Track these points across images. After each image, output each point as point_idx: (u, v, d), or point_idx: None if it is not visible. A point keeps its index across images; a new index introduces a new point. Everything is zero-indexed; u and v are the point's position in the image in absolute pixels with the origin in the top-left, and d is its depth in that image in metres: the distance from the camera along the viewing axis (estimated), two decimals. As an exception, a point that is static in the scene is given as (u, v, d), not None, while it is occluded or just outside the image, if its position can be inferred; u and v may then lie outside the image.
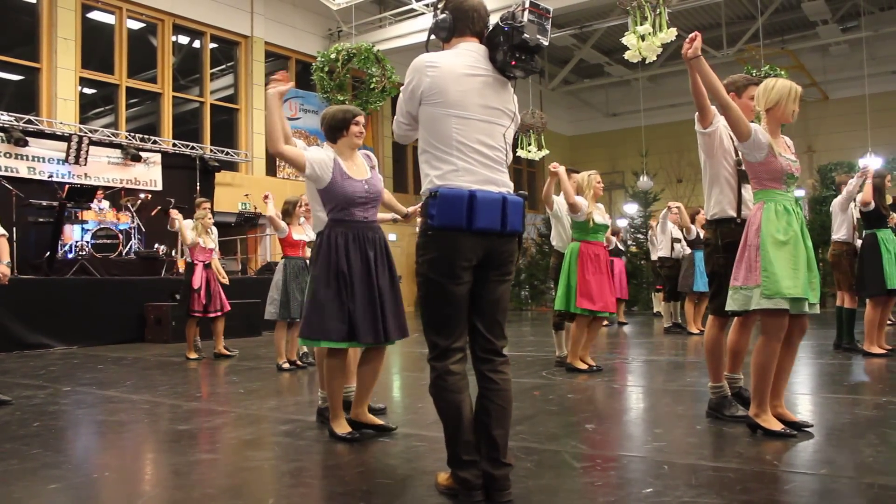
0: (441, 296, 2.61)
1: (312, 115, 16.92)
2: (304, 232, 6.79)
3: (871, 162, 13.07)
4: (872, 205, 6.67)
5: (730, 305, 3.75)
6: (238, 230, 14.79)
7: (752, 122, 3.75)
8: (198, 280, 7.95)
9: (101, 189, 12.26)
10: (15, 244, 10.05)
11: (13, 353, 8.89)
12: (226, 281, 8.36)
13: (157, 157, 14.13)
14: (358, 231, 3.80)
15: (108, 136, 13.47)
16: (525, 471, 3.08)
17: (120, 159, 13.47)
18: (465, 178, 2.59)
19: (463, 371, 2.64)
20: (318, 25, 17.53)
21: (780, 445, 3.48)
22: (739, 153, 4.04)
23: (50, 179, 12.15)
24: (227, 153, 15.42)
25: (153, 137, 14.18)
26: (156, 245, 12.36)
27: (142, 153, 13.71)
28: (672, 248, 10.39)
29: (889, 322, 8.52)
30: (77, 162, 12.46)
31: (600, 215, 6.37)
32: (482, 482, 2.58)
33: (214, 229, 8.31)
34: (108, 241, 11.66)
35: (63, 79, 13.03)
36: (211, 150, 15.09)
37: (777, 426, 3.63)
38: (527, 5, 2.57)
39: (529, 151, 14.60)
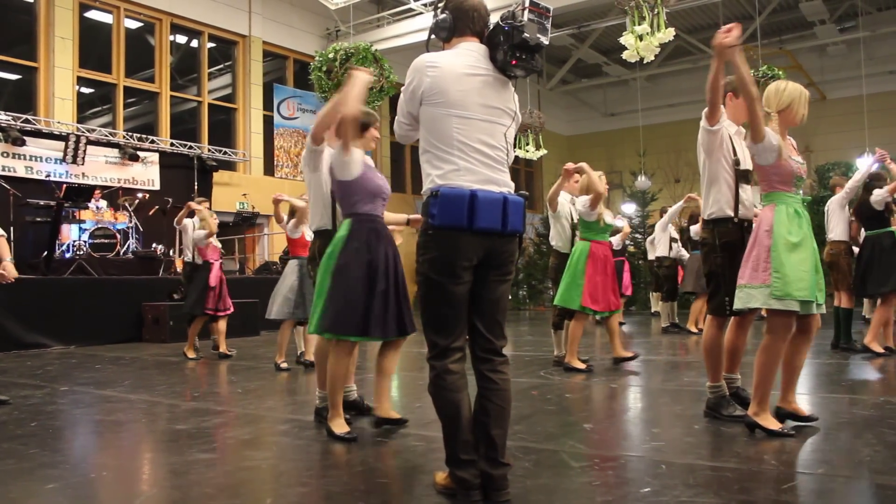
0: (441, 295, 2.61)
1: (310, 114, 16.91)
2: None
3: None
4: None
5: (736, 304, 3.75)
6: (236, 230, 14.80)
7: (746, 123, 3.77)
8: (214, 278, 7.99)
9: (98, 189, 12.26)
10: (12, 244, 10.02)
11: (10, 352, 8.88)
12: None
13: (155, 157, 14.13)
14: (380, 226, 3.90)
15: (106, 136, 13.46)
16: (523, 470, 3.08)
17: (117, 159, 13.46)
18: (466, 177, 2.59)
19: (462, 370, 2.64)
20: (315, 25, 17.53)
21: (777, 445, 3.49)
22: (738, 154, 4.05)
23: (47, 179, 12.14)
24: (225, 153, 15.41)
25: (151, 137, 14.18)
26: (153, 245, 12.36)
27: (139, 153, 13.70)
28: (670, 248, 10.41)
29: None
30: (75, 161, 12.45)
31: (609, 216, 6.44)
32: (480, 482, 2.58)
33: None
34: (106, 241, 11.65)
35: (60, 78, 13.01)
36: (209, 150, 15.08)
37: (775, 425, 3.63)
38: (527, 4, 2.57)
39: (527, 151, 14.62)
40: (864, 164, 7.12)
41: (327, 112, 3.90)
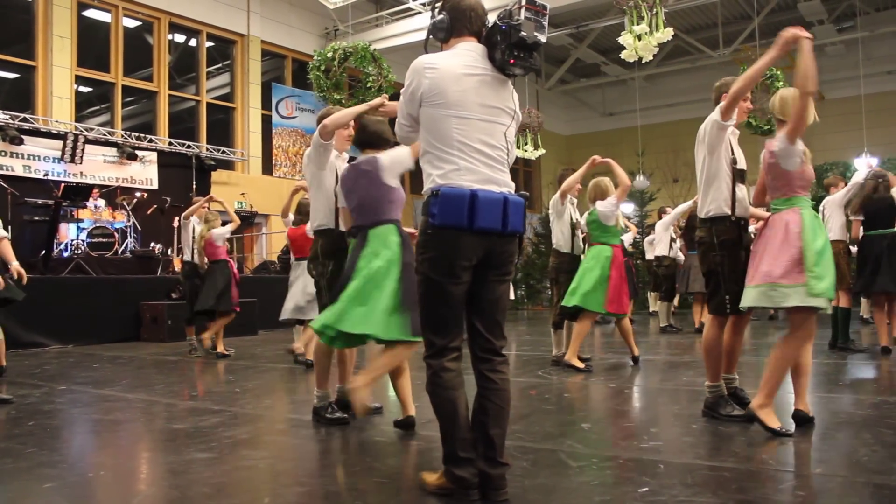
0: (440, 295, 2.61)
1: (308, 113, 16.91)
2: None
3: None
4: None
5: (758, 301, 3.77)
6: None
7: (743, 123, 3.80)
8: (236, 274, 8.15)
9: (96, 188, 12.26)
10: (10, 243, 9.99)
11: (9, 351, 8.80)
12: None
13: (153, 156, 14.12)
14: None
15: (104, 135, 13.45)
16: (521, 470, 3.08)
17: (116, 158, 13.46)
18: (466, 177, 2.59)
19: (458, 368, 2.64)
20: (314, 24, 17.52)
21: (775, 444, 3.49)
22: (735, 153, 4.07)
23: (45, 178, 12.13)
24: (223, 152, 15.40)
25: (149, 136, 14.17)
26: (152, 244, 12.35)
27: (138, 152, 13.70)
28: (670, 248, 10.43)
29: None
30: (73, 160, 12.44)
31: (622, 218, 6.54)
32: (479, 481, 2.58)
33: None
34: (104, 240, 11.65)
35: (59, 77, 13.00)
36: (207, 149, 15.07)
37: (775, 423, 3.63)
38: (523, 3, 2.57)
39: (526, 151, 14.62)
40: (861, 174, 7.16)
41: (347, 113, 3.97)
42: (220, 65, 16.55)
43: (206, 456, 3.50)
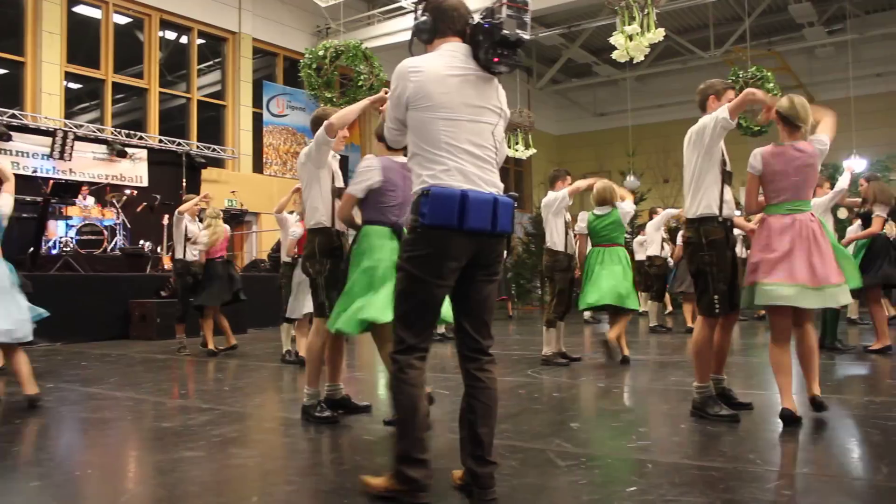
0: (421, 293, 2.61)
1: (300, 112, 16.87)
2: None
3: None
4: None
5: (827, 304, 3.92)
6: (224, 227, 14.71)
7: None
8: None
9: (86, 185, 12.18)
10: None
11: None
12: None
13: (144, 153, 14.04)
14: None
15: (94, 132, 13.37)
16: (510, 469, 3.08)
17: (105, 155, 13.37)
18: (456, 177, 2.59)
19: (423, 368, 2.64)
20: (306, 22, 17.47)
21: (763, 444, 3.51)
22: (725, 155, 4.10)
23: (34, 175, 12.04)
24: (214, 150, 15.33)
25: (139, 133, 14.09)
26: (141, 241, 12.28)
27: (128, 149, 13.61)
28: (662, 248, 10.49)
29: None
30: (62, 157, 12.36)
31: None
32: (429, 483, 2.57)
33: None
34: (93, 237, 11.58)
35: (48, 73, 12.92)
36: (197, 147, 15.01)
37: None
38: (505, 0, 2.57)
39: (517, 150, 14.62)
40: (848, 176, 7.24)
41: (353, 110, 4.02)
42: (211, 62, 16.48)
43: (194, 454, 3.49)
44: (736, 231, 4.37)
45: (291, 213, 7.09)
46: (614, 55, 9.35)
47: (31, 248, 10.62)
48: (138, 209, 12.58)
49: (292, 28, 17.24)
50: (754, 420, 4.05)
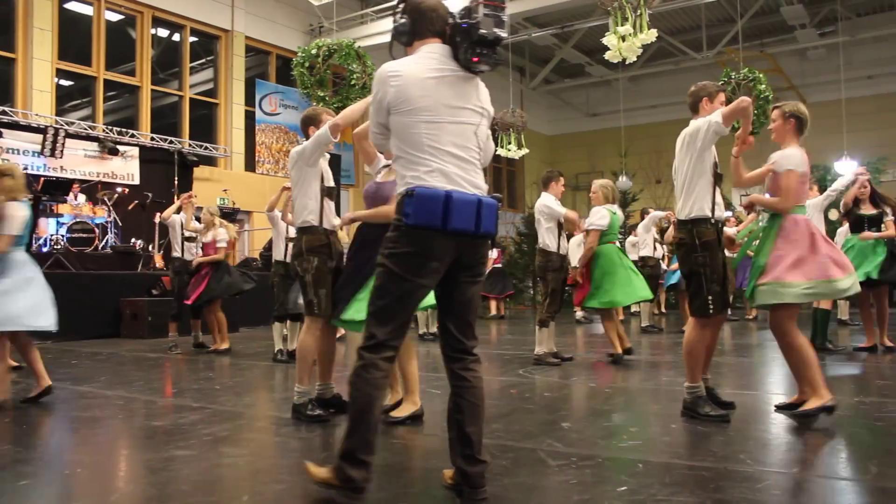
0: (398, 290, 2.60)
1: (292, 110, 16.84)
2: None
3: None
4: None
5: (815, 297, 4.10)
6: (216, 226, 14.67)
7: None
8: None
9: (77, 182, 12.13)
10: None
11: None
12: None
13: (135, 151, 13.99)
14: None
15: (85, 129, 13.31)
16: (500, 468, 3.09)
17: (97, 152, 13.31)
18: (439, 179, 2.58)
19: (388, 371, 2.63)
20: (298, 21, 17.44)
21: (753, 444, 3.53)
22: (716, 158, 4.14)
23: (25, 172, 11.95)
24: (206, 148, 15.29)
25: (131, 131, 14.03)
26: (132, 240, 12.24)
27: (119, 147, 13.56)
28: (654, 248, 10.52)
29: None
30: (53, 155, 12.30)
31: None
32: (366, 486, 2.57)
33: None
34: (84, 235, 11.53)
35: (39, 70, 12.86)
36: (189, 145, 14.97)
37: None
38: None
39: (509, 150, 14.63)
40: (846, 178, 7.27)
41: (357, 108, 4.00)
42: (203, 60, 16.43)
43: (185, 453, 3.48)
44: (731, 231, 4.43)
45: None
46: (607, 56, 9.36)
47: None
48: (130, 207, 12.53)
49: (285, 26, 17.21)
50: (745, 420, 4.07)
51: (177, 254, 8.50)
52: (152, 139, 14.34)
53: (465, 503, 2.61)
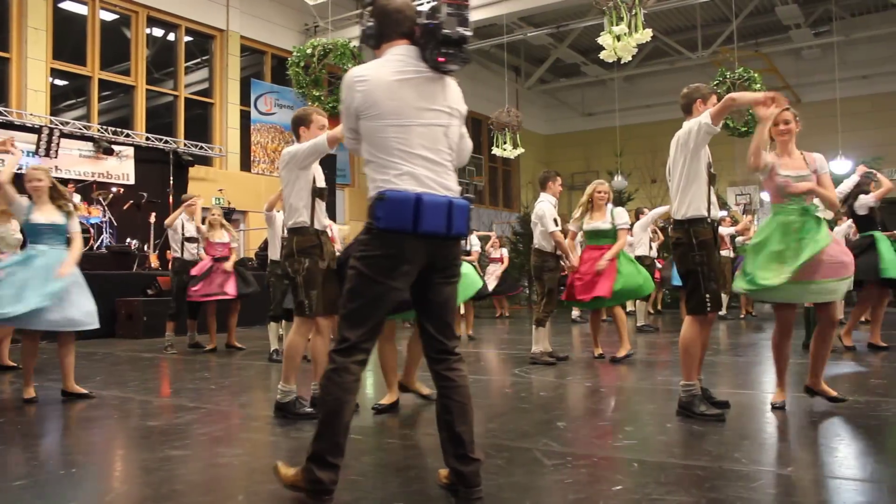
0: (370, 293, 2.59)
1: (287, 110, 16.81)
2: None
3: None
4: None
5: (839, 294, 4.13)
6: (211, 225, 14.65)
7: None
8: None
9: (72, 182, 12.10)
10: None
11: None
12: None
13: (130, 151, 13.96)
14: None
15: (80, 129, 13.28)
16: (496, 468, 3.09)
17: (92, 152, 13.28)
18: (409, 182, 2.57)
19: (359, 375, 2.63)
20: (294, 20, 17.42)
21: (748, 443, 3.53)
22: (709, 157, 4.16)
23: (20, 172, 11.91)
24: (201, 148, 15.26)
25: (126, 131, 14.00)
26: (128, 240, 12.22)
27: (114, 146, 13.52)
28: (650, 248, 10.54)
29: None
30: (47, 154, 12.26)
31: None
32: (333, 488, 2.57)
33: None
34: (79, 235, 11.49)
35: (33, 69, 12.82)
36: (185, 145, 14.94)
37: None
38: None
39: (505, 150, 14.63)
40: (851, 180, 7.29)
41: None
42: (198, 60, 16.39)
43: (180, 453, 3.48)
44: (726, 231, 4.47)
45: (279, 211, 7.11)
46: (602, 55, 9.39)
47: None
48: (125, 207, 12.51)
49: (280, 26, 17.19)
50: (740, 419, 4.08)
51: (177, 254, 8.50)
52: (147, 139, 14.31)
53: (460, 503, 2.61)
